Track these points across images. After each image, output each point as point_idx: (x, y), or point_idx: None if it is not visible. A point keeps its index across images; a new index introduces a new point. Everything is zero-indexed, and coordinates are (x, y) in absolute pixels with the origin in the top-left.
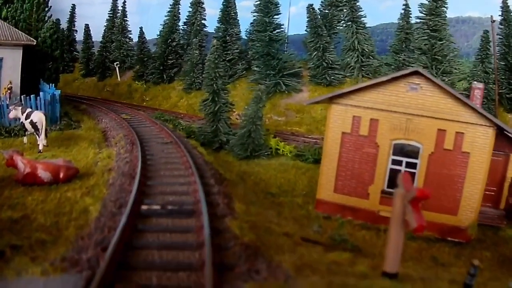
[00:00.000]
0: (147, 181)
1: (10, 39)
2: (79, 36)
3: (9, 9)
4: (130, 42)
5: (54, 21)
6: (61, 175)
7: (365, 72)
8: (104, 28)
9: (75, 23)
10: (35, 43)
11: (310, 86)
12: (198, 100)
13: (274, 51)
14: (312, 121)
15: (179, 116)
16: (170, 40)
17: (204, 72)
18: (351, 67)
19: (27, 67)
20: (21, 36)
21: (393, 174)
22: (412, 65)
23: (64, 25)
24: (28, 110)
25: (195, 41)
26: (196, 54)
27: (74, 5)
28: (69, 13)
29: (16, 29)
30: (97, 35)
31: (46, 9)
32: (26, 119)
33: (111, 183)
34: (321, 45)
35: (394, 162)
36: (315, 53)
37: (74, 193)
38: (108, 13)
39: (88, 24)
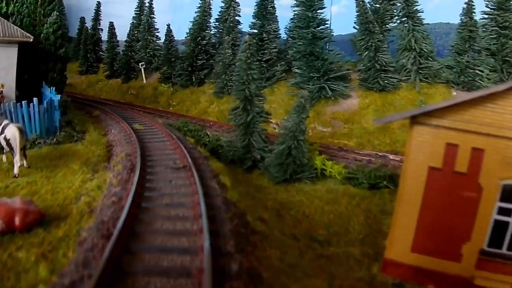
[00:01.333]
0: (128, 245)
1: (1, 35)
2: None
3: (16, 3)
4: (157, 41)
5: (58, 14)
6: (17, 221)
7: (423, 76)
8: (129, 26)
9: (101, 21)
10: (31, 39)
11: (360, 91)
12: (231, 106)
13: (318, 50)
14: (363, 132)
15: (207, 125)
16: (200, 38)
17: (234, 74)
18: (407, 70)
19: (27, 68)
20: (15, 32)
21: (499, 228)
22: (478, 68)
23: (89, 23)
24: (5, 122)
25: (227, 39)
26: (228, 54)
27: (99, 2)
28: (94, 11)
29: (12, 24)
30: (124, 35)
31: (54, 2)
32: (0, 134)
33: (82, 240)
34: (373, 44)
35: (502, 211)
36: (366, 53)
37: (28, 253)
38: (135, 10)
39: (112, 22)
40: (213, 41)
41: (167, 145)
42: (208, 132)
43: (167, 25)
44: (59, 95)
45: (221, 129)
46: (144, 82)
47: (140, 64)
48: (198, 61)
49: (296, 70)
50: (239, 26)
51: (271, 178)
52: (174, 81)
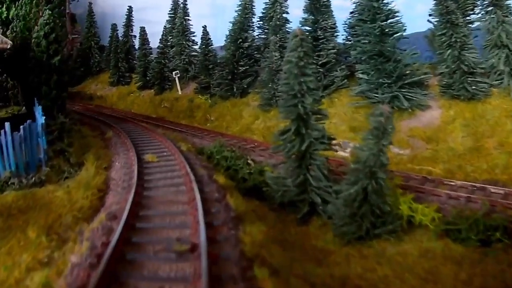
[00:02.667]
0: None
1: None
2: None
3: (17, 7)
4: (193, 46)
5: (50, 13)
6: None
7: None
8: (162, 31)
9: (133, 27)
10: (8, 46)
11: (441, 101)
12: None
13: (389, 49)
14: (451, 155)
15: (249, 146)
16: (241, 40)
17: (280, 82)
18: (498, 72)
19: (18, 81)
20: None
21: None
22: None
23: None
24: None
25: (273, 39)
26: (276, 58)
27: (130, 6)
28: (125, 16)
29: None
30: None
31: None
32: None
33: None
34: (458, 40)
35: None
36: (449, 51)
37: None
38: (168, 13)
39: (144, 28)
40: (257, 43)
41: (180, 193)
42: (249, 160)
43: (203, 27)
44: (43, 118)
45: (267, 153)
46: (179, 93)
47: (174, 73)
48: (240, 68)
49: (361, 75)
50: (287, 25)
51: (337, 234)
52: (212, 91)
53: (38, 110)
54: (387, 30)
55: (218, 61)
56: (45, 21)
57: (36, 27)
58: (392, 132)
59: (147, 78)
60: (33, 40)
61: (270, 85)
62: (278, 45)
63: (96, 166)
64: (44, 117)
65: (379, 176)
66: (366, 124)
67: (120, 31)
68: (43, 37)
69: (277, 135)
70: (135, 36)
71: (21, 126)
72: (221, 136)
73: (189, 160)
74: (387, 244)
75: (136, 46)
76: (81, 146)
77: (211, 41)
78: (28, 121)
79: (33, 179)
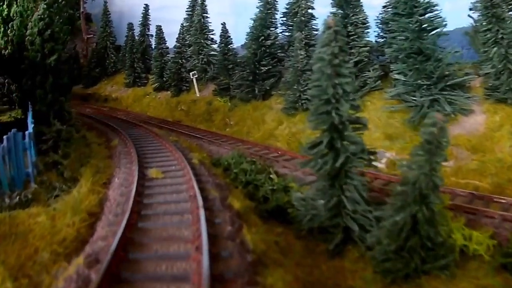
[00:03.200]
0: None
1: None
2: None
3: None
4: (212, 45)
5: (45, 7)
6: None
7: None
8: (179, 29)
9: (150, 26)
10: None
11: (485, 105)
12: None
13: (430, 46)
14: (499, 167)
15: (272, 156)
16: (263, 38)
17: (309, 84)
18: None
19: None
20: None
21: None
22: None
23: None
24: None
25: (299, 36)
26: (301, 56)
27: (147, 5)
28: (142, 15)
29: None
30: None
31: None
32: None
33: None
34: (504, 37)
35: None
36: (494, 50)
37: None
38: (186, 11)
39: (160, 26)
40: (281, 41)
41: (183, 224)
42: (272, 174)
43: (222, 24)
44: (34, 125)
45: (293, 164)
46: (197, 95)
47: (191, 73)
48: (262, 68)
49: (397, 76)
50: (313, 21)
51: (379, 271)
52: (232, 93)
53: (29, 116)
54: (426, 25)
55: (238, 60)
56: (39, 17)
57: (29, 23)
58: (447, 146)
59: (164, 79)
60: (26, 38)
61: (295, 87)
62: (303, 42)
63: (93, 182)
64: (34, 125)
65: (431, 200)
66: (403, 131)
67: (137, 30)
68: (37, 34)
69: (306, 149)
70: (152, 36)
71: (5, 136)
72: (241, 143)
73: (200, 177)
74: (438, 283)
75: (153, 46)
76: (80, 157)
77: (231, 39)
78: (13, 130)
79: (18, 198)
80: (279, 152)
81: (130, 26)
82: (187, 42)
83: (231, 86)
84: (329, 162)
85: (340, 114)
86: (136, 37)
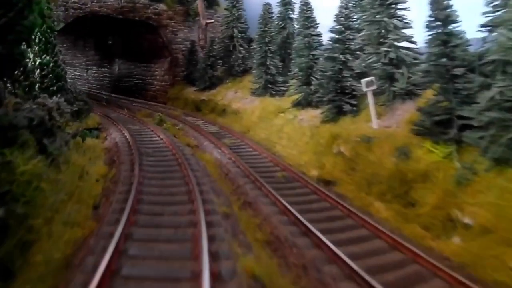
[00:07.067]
0: None
1: None
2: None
3: None
4: (404, 30)
5: None
6: None
7: None
8: (340, 3)
9: (293, 7)
10: None
11: None
12: None
13: None
14: None
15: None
16: None
17: None
18: None
19: None
20: None
21: None
22: None
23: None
24: None
25: None
26: None
27: None
28: None
29: None
30: None
31: None
32: None
33: None
34: None
35: None
36: None
37: None
38: None
39: (308, 2)
40: None
41: None
42: None
43: None
44: None
45: None
46: (374, 126)
47: (363, 82)
48: None
49: None
50: None
51: None
52: (462, 135)
53: None
54: None
55: (480, 62)
56: None
57: None
58: None
59: (312, 87)
60: None
61: None
62: None
63: None
64: None
65: None
66: None
67: (275, 13)
68: None
69: None
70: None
71: None
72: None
73: None
74: None
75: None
76: None
77: (456, 15)
78: None
79: None
80: None
81: (267, 8)
82: (353, 22)
83: (456, 118)
84: None
85: None
86: (274, 22)
